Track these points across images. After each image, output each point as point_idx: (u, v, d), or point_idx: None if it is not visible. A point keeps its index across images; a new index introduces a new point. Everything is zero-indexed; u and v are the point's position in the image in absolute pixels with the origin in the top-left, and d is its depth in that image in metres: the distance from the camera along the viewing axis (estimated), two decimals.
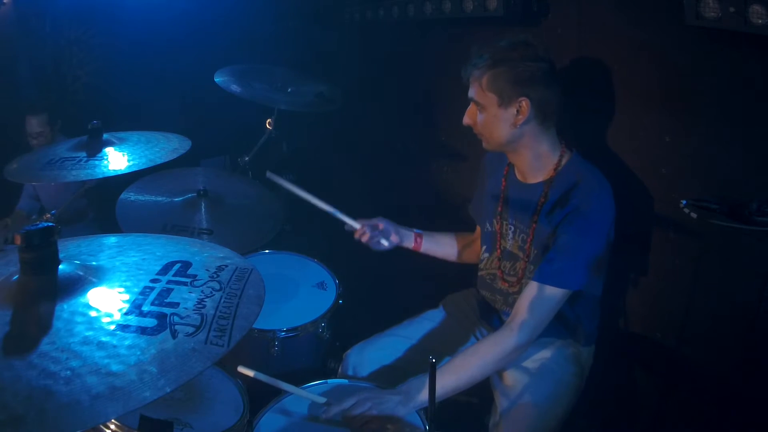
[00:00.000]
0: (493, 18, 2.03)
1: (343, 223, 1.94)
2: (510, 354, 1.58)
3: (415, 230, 2.03)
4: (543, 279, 1.57)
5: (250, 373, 1.55)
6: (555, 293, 1.56)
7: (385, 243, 1.94)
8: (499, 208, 1.81)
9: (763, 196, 1.25)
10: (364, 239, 1.92)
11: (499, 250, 1.81)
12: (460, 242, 2.09)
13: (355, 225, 1.92)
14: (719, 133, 1.53)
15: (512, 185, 1.79)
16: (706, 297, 1.60)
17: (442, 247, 2.08)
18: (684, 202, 1.34)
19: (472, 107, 1.69)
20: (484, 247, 1.89)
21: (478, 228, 2.00)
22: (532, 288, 1.58)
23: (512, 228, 1.77)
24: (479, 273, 1.92)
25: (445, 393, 1.53)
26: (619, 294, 1.85)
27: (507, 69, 1.58)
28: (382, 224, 1.94)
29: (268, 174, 1.98)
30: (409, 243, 2.02)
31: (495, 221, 1.82)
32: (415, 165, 2.94)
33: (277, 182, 1.96)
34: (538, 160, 1.69)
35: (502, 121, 1.62)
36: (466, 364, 1.57)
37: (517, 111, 1.60)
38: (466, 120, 1.70)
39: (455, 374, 1.55)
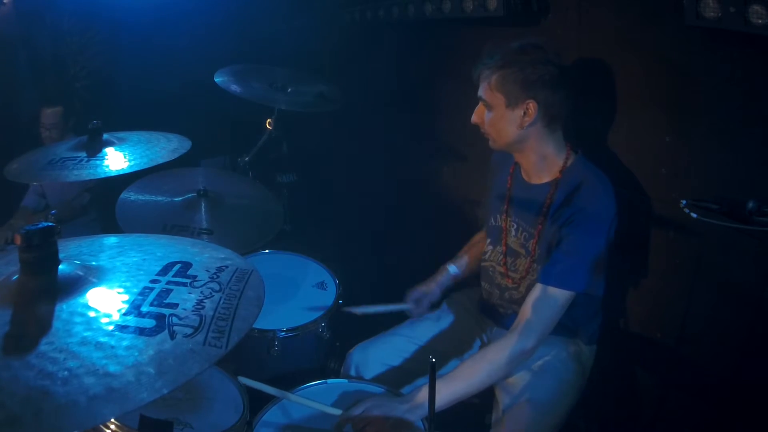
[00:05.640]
0: (493, 18, 2.03)
1: (400, 312, 2.02)
2: (518, 358, 1.57)
3: (450, 269, 2.06)
4: (548, 281, 1.58)
5: (253, 385, 1.55)
6: (561, 295, 1.57)
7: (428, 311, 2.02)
8: (505, 206, 1.82)
9: (763, 196, 1.24)
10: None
11: (504, 246, 1.82)
12: (475, 248, 2.10)
13: (408, 306, 2.00)
14: (719, 132, 1.53)
15: (518, 184, 1.81)
16: (706, 297, 1.60)
17: (472, 262, 2.08)
18: (684, 202, 1.33)
19: (480, 106, 1.70)
20: (489, 240, 1.90)
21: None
22: (538, 291, 1.59)
23: (515, 225, 1.79)
24: (482, 264, 1.94)
25: (455, 399, 1.53)
26: (619, 294, 1.85)
27: (516, 71, 1.59)
28: (424, 299, 2.01)
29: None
30: (451, 283, 2.07)
31: (501, 217, 1.84)
32: (415, 165, 2.93)
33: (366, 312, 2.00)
34: (543, 162, 1.71)
35: (508, 122, 1.64)
36: (475, 369, 1.56)
37: (524, 113, 1.61)
38: (475, 119, 1.72)
39: (464, 380, 1.54)
